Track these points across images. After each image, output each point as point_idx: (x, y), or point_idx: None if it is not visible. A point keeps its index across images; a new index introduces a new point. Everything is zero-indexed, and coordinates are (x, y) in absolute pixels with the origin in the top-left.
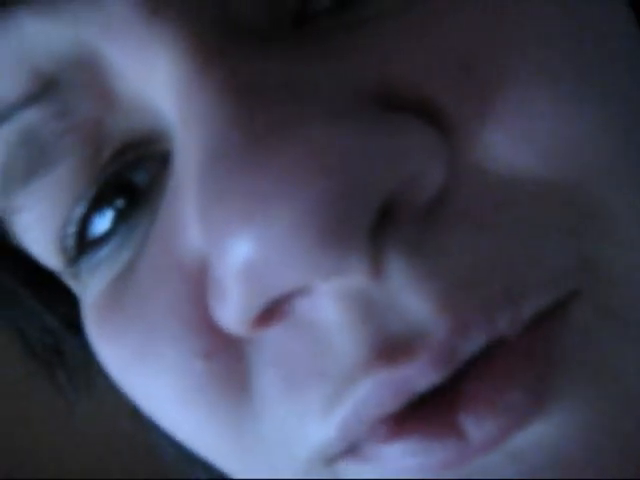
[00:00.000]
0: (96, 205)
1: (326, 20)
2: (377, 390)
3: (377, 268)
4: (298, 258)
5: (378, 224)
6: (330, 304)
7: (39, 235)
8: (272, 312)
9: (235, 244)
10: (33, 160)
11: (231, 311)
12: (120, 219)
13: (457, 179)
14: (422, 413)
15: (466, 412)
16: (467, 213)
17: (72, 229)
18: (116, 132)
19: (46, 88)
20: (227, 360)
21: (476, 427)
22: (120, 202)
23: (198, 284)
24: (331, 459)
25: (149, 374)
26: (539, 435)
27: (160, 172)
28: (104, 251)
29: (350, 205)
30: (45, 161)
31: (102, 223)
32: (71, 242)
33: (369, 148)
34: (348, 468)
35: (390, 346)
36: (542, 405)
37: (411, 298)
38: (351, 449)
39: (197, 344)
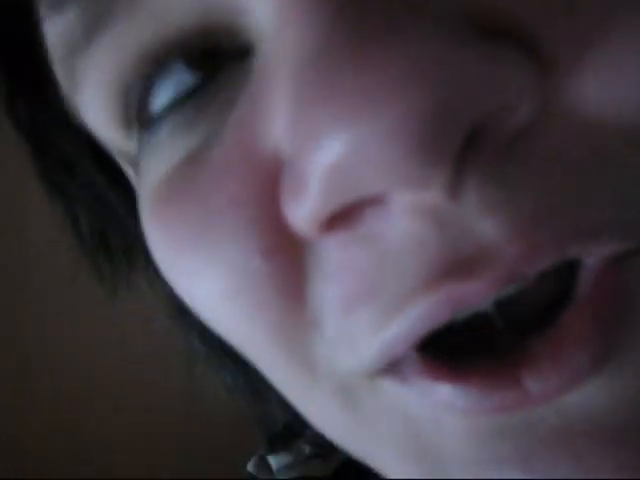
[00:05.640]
0: (161, 73)
1: None
2: (434, 308)
3: (456, 187)
4: (389, 163)
5: (463, 147)
6: (403, 216)
7: (101, 106)
8: (342, 218)
9: (329, 140)
10: (92, 20)
11: (306, 206)
12: (186, 97)
13: (546, 117)
14: (483, 364)
15: (530, 369)
16: (550, 151)
17: (134, 95)
18: (188, 12)
19: None
20: (286, 263)
21: (537, 383)
22: (188, 78)
23: (271, 179)
24: (372, 376)
25: (203, 265)
26: (590, 395)
27: (237, 63)
28: (166, 129)
29: (447, 121)
30: (104, 20)
31: (166, 96)
32: (133, 110)
33: (474, 70)
34: (390, 389)
35: (457, 266)
36: (603, 367)
37: (485, 222)
38: (395, 370)
39: (258, 240)
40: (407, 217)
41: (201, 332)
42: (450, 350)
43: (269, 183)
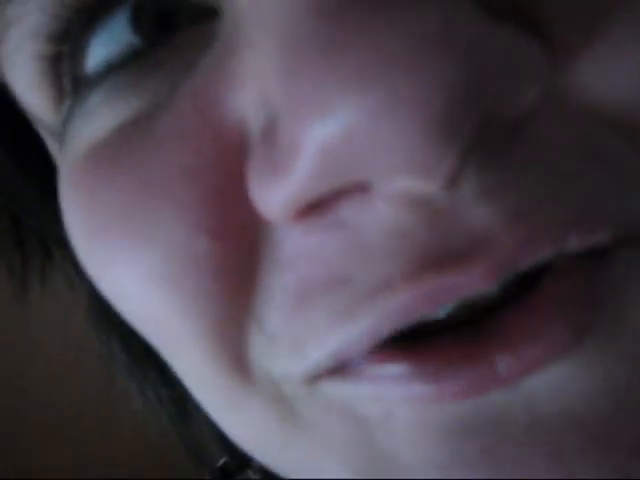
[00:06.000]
0: (102, 24)
1: None
2: (411, 301)
3: (456, 177)
4: (399, 142)
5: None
6: (386, 206)
7: (28, 58)
8: (319, 205)
9: (334, 109)
10: None
11: (287, 188)
12: (128, 60)
13: (550, 103)
14: (443, 343)
15: (501, 343)
16: (552, 138)
17: (68, 48)
18: None
19: None
20: (237, 246)
21: (509, 358)
22: (132, 38)
23: (233, 151)
24: (312, 380)
25: (135, 244)
26: (563, 378)
27: (196, 26)
28: (102, 92)
29: (472, 102)
30: None
31: (103, 54)
32: (65, 69)
33: (500, 49)
34: (332, 390)
35: (445, 256)
36: (583, 342)
37: (480, 210)
38: (338, 368)
39: (209, 217)
40: (391, 207)
41: (123, 336)
42: (404, 335)
43: (230, 156)
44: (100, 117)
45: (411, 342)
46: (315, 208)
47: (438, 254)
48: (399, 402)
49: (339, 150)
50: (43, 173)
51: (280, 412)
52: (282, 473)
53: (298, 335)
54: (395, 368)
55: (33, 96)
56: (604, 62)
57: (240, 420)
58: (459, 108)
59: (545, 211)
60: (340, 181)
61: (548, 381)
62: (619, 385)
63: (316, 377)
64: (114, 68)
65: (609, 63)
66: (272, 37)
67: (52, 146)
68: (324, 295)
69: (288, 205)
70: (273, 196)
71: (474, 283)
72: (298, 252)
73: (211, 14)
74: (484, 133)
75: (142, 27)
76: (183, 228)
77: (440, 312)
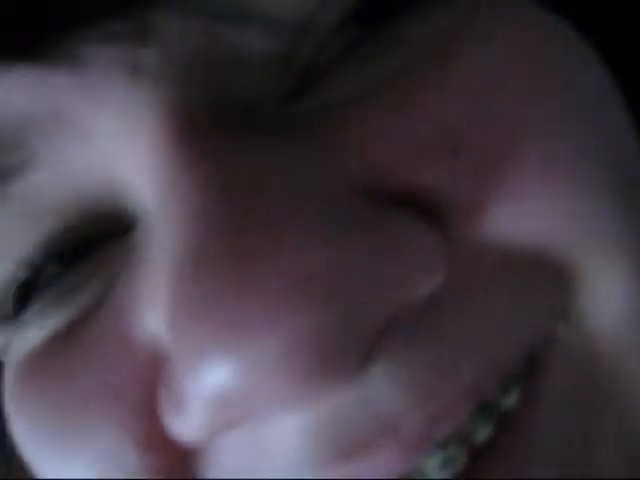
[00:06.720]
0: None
1: (307, 101)
2: None
3: (359, 385)
4: (277, 395)
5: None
6: (290, 434)
7: None
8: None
9: (210, 368)
10: None
11: (188, 428)
12: (60, 274)
13: (451, 272)
14: None
15: None
16: (459, 304)
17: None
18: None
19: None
20: (165, 457)
21: None
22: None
23: (148, 369)
24: None
25: (69, 455)
26: None
27: (117, 238)
28: (37, 306)
29: (343, 338)
30: None
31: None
32: (14, 295)
33: (367, 272)
34: None
35: (352, 445)
36: None
37: (389, 395)
38: None
39: (135, 432)
40: (294, 434)
41: None
42: None
43: (147, 374)
44: (35, 328)
45: None
46: (223, 430)
47: (346, 444)
48: None
49: (221, 403)
50: None
51: None
52: None
53: None
54: None
55: None
56: (498, 219)
57: None
58: (327, 350)
59: (454, 384)
60: (232, 421)
61: None
62: None
63: None
64: (40, 289)
65: (503, 218)
66: (165, 273)
67: None
68: None
69: (194, 437)
70: (179, 430)
71: (383, 468)
72: (220, 454)
73: (129, 227)
74: (387, 332)
75: (63, 257)
76: (112, 442)
77: None
